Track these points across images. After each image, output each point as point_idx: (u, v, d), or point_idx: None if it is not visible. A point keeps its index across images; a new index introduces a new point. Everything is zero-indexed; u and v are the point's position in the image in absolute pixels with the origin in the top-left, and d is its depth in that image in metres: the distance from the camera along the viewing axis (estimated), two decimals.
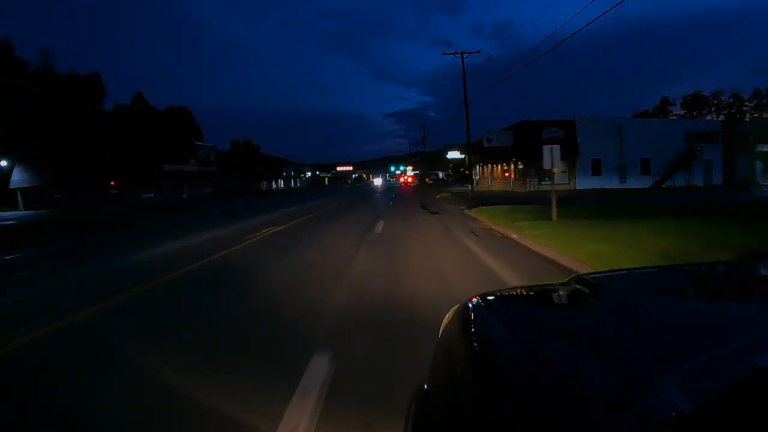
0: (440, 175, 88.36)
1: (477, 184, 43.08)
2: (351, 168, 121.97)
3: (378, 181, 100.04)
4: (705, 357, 0.73)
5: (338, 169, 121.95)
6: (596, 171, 29.19)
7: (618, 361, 0.81)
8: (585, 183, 28.70)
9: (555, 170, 10.24)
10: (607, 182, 29.01)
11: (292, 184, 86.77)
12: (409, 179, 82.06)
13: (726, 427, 0.58)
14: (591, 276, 1.33)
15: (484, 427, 0.71)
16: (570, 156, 28.41)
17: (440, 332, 1.21)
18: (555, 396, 0.71)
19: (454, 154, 45.74)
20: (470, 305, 1.16)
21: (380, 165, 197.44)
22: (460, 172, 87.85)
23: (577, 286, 1.24)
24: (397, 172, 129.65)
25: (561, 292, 1.32)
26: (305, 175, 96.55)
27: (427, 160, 74.49)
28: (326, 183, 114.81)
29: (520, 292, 1.55)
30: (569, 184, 28.94)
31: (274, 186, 75.78)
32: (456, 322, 1.12)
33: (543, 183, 28.49)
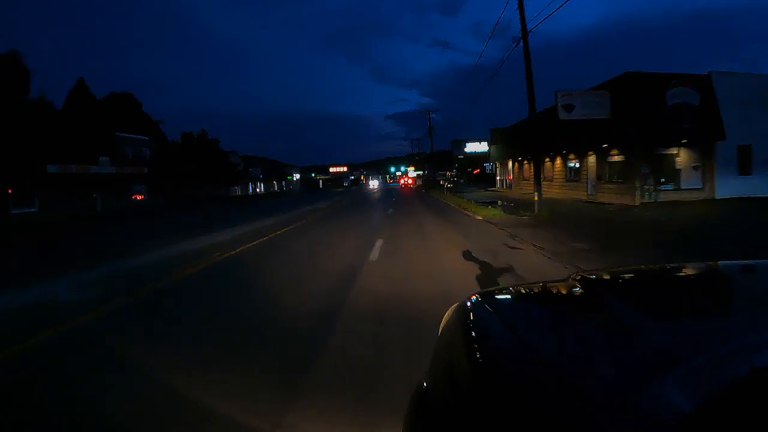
0: (447, 175, 76.36)
1: (510, 187, 30.73)
2: (345, 169, 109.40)
3: (374, 184, 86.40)
4: (705, 357, 0.73)
5: (331, 170, 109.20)
6: (744, 167, 16.75)
7: (618, 360, 0.81)
8: (727, 187, 16.28)
9: None
10: (760, 185, 16.58)
11: (276, 188, 74.42)
12: (409, 181, 76.85)
13: (726, 427, 0.58)
14: (591, 274, 1.33)
15: (483, 426, 0.70)
16: (707, 140, 16.00)
17: (440, 330, 1.19)
18: (554, 395, 0.71)
19: (474, 147, 33.36)
20: (470, 303, 1.16)
21: (380, 166, 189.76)
22: (467, 172, 76.01)
23: (577, 285, 1.24)
24: (398, 173, 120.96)
25: (561, 291, 1.30)
26: (292, 176, 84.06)
27: (432, 159, 63.03)
28: (321, 185, 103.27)
29: (520, 290, 1.47)
30: (703, 189, 16.49)
31: (253, 190, 63.53)
32: (455, 320, 1.12)
33: (661, 188, 16.06)
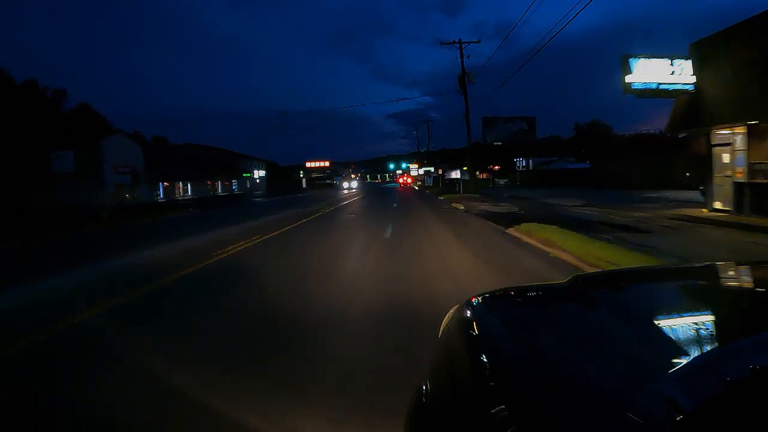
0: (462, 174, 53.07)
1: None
2: (328, 164, 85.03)
3: (351, 185, 55.72)
4: (705, 357, 0.73)
5: (308, 164, 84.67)
6: None
7: (618, 360, 0.81)
8: None
9: None
10: None
11: (221, 189, 51.16)
12: (409, 180, 67.93)
13: (726, 427, 0.58)
14: (591, 275, 1.38)
15: (484, 428, 0.70)
16: None
17: (440, 332, 1.19)
18: (555, 396, 0.71)
19: (658, 71, 9.40)
20: (470, 305, 1.17)
21: (379, 164, 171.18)
22: (490, 168, 52.56)
23: (578, 286, 1.24)
24: (398, 171, 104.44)
25: (562, 292, 1.31)
26: (251, 173, 60.58)
27: (434, 156, 40.57)
28: (304, 184, 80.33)
29: (521, 291, 1.45)
30: None
31: (166, 194, 40.28)
32: (456, 321, 1.13)
33: None
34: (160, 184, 39.43)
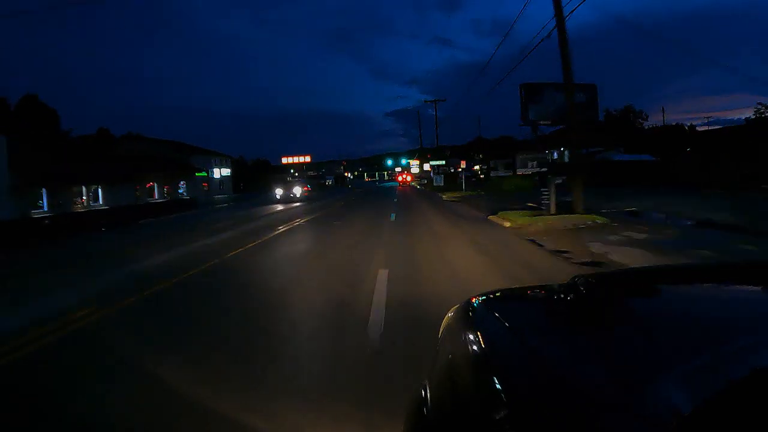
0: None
1: None
2: (309, 159, 70.60)
3: (288, 193, 33.39)
4: (705, 357, 0.73)
5: (284, 161, 70.03)
6: None
7: (618, 361, 0.81)
8: None
9: None
10: None
11: (157, 194, 38.21)
12: (408, 178, 63.25)
13: (726, 427, 0.58)
14: (592, 276, 1.33)
15: (484, 429, 0.70)
16: None
17: (440, 332, 1.17)
18: (555, 396, 0.71)
19: None
20: (470, 305, 1.15)
21: (377, 161, 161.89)
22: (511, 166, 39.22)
23: (578, 286, 1.24)
24: (398, 169, 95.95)
25: (562, 293, 1.29)
26: (208, 172, 47.51)
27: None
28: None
29: (521, 292, 1.45)
30: None
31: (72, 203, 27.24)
32: (456, 322, 1.11)
33: None
34: (43, 190, 26.74)
